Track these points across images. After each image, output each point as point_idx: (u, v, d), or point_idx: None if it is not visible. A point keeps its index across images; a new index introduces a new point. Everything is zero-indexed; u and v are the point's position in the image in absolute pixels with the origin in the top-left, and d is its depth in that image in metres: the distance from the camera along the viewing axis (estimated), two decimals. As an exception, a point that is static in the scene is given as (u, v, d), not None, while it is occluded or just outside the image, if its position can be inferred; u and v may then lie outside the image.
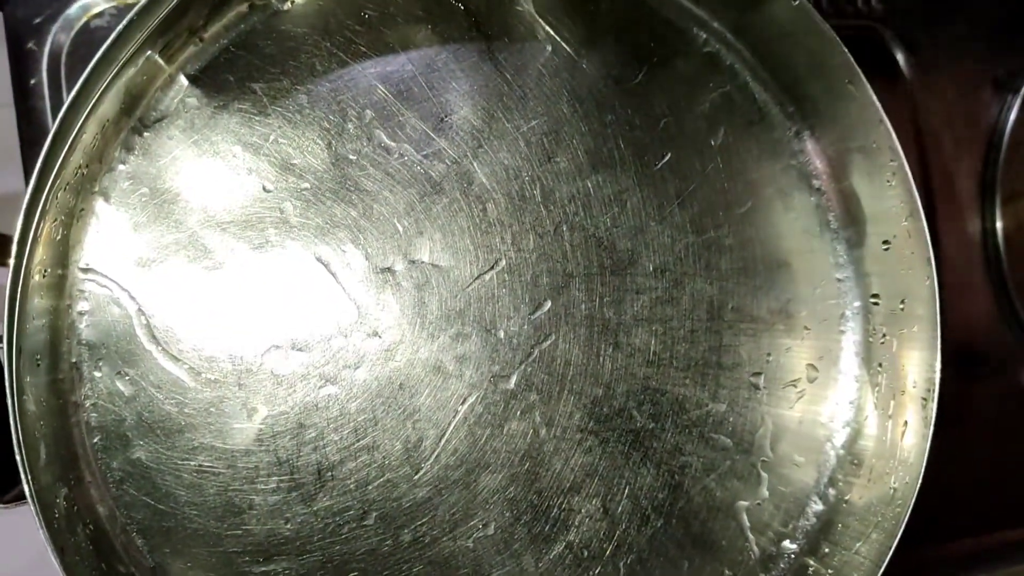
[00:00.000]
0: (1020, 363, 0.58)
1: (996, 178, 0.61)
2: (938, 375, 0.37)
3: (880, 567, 0.37)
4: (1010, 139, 0.60)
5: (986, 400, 0.58)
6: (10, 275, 0.30)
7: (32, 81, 0.48)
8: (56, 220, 0.33)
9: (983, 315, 0.59)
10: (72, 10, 0.44)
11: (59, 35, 0.45)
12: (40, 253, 0.32)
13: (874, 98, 0.35)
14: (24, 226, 0.30)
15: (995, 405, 0.58)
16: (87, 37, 0.47)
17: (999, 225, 0.60)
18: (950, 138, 0.59)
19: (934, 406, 0.37)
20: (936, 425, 0.37)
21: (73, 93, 0.31)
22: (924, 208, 0.36)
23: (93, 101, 0.31)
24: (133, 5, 0.32)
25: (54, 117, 0.47)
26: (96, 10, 0.44)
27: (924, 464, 0.36)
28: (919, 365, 0.38)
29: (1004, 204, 0.60)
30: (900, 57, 0.53)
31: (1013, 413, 0.59)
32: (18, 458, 0.31)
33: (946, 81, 0.55)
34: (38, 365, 0.34)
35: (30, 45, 0.47)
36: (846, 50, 0.35)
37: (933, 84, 0.54)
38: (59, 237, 0.34)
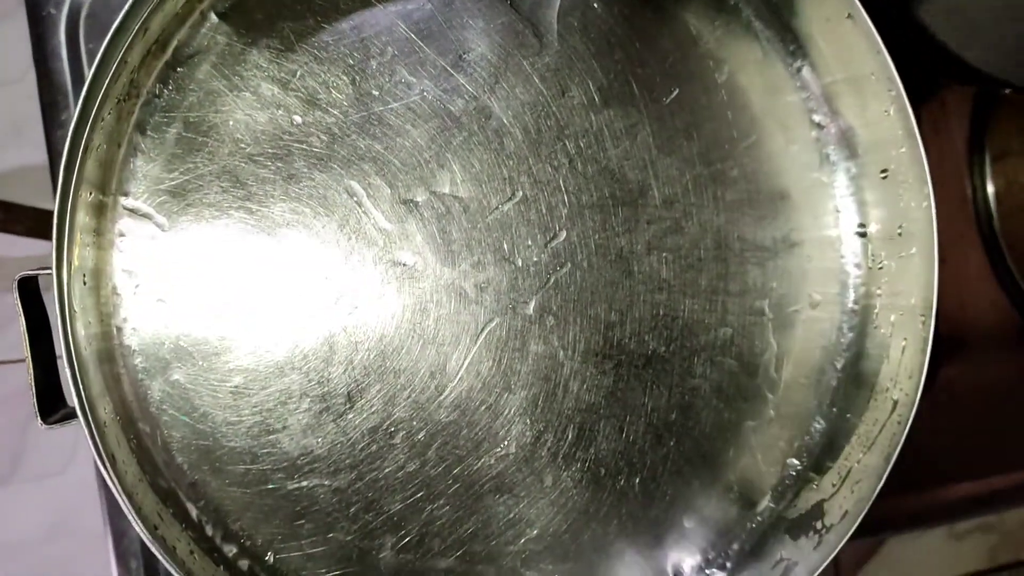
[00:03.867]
0: (1012, 320, 0.61)
1: (984, 137, 0.63)
2: (935, 293, 0.39)
3: (882, 476, 0.39)
4: (999, 97, 0.62)
5: (978, 353, 0.60)
6: (59, 190, 0.31)
7: (51, 45, 0.49)
8: (99, 146, 0.35)
9: (975, 273, 0.61)
10: (90, -27, 0.46)
11: (77, -1, 0.47)
12: (88, 170, 0.34)
13: (872, 29, 0.37)
14: (74, 140, 0.31)
15: (987, 357, 0.60)
16: (105, 0, 0.48)
17: (989, 186, 0.62)
18: (938, 97, 0.61)
19: (932, 322, 0.39)
20: (929, 374, 0.38)
21: (121, 16, 0.32)
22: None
23: (138, 25, 0.32)
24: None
25: (73, 81, 0.48)
26: (115, -29, 0.45)
27: (923, 377, 0.38)
28: (917, 285, 0.39)
29: (994, 163, 0.62)
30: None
31: (1005, 363, 0.61)
32: (68, 368, 0.33)
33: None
34: (84, 284, 0.35)
35: (49, 9, 0.49)
36: (845, -17, 0.37)
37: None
38: (100, 162, 0.36)
